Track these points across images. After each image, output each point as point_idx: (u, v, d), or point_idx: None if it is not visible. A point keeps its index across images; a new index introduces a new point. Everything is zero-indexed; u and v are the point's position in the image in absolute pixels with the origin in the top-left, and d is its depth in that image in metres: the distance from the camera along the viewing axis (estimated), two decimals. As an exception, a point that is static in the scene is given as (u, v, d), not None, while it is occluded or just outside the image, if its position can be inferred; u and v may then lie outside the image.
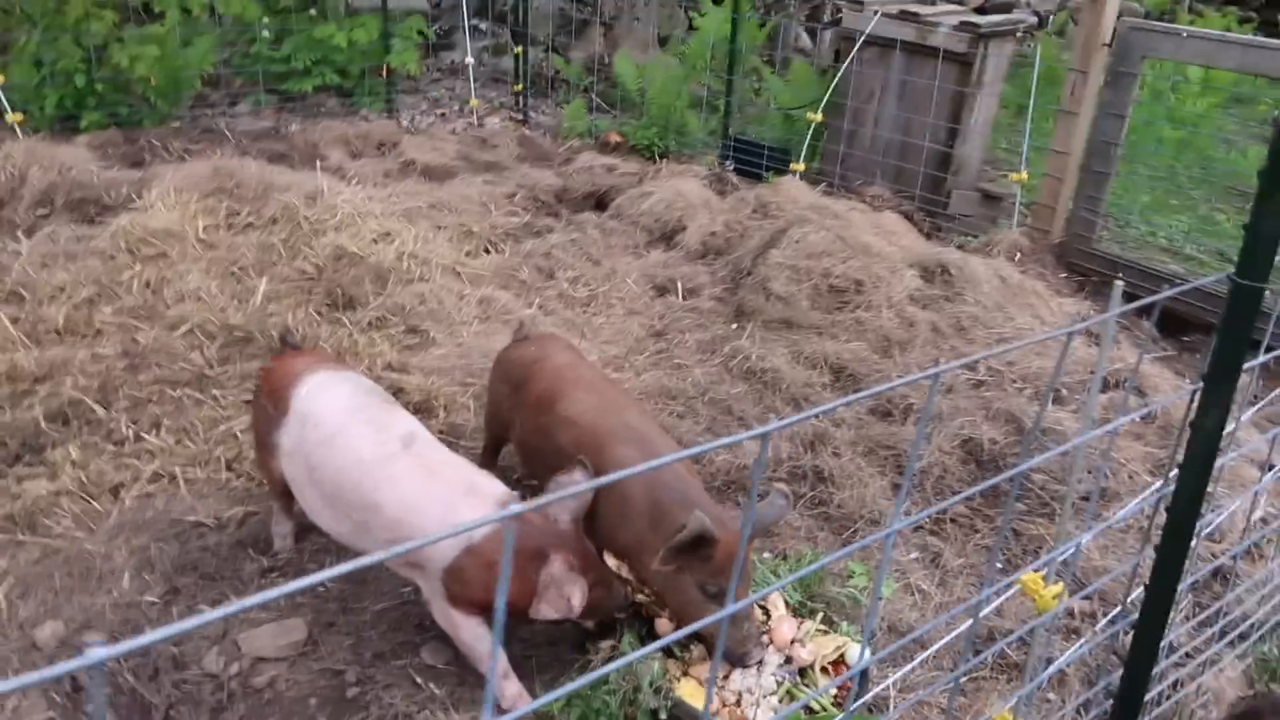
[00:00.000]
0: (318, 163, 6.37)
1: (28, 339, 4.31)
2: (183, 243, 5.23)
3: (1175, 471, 1.97)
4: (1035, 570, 2.03)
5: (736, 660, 2.51)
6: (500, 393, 3.19)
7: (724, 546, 2.42)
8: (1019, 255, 5.80)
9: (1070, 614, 3.14)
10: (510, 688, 2.59)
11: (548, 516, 2.49)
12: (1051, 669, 2.63)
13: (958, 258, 5.26)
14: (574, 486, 2.67)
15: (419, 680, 2.70)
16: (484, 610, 2.52)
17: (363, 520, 2.52)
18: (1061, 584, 2.05)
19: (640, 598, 2.71)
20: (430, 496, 2.46)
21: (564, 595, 2.37)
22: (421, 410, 3.83)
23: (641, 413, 2.93)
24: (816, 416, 4.00)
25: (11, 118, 6.64)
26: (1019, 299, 5.15)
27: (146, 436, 3.61)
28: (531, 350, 3.16)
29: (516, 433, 3.09)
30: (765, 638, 2.62)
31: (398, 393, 3.90)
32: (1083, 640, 2.82)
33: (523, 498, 2.64)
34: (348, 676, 2.72)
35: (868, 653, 2.63)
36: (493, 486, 2.54)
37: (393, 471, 2.49)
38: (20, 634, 2.74)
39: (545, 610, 2.37)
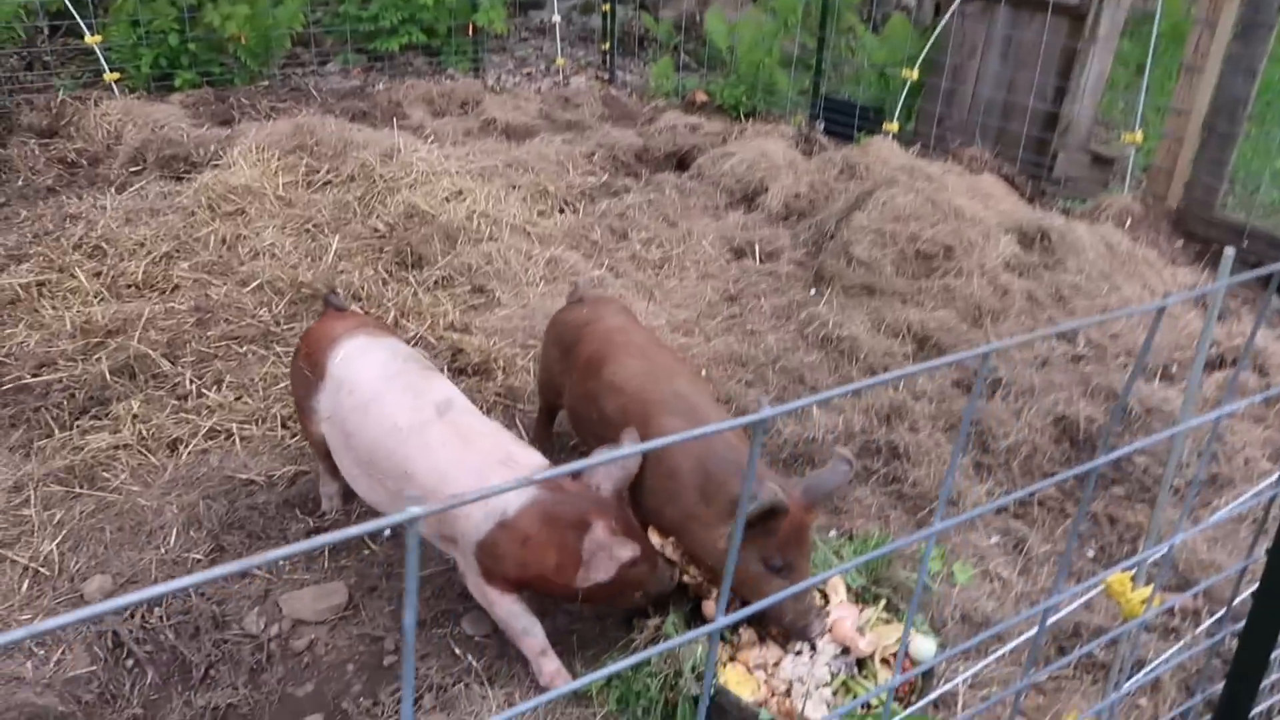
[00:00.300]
0: (395, 121, 6.32)
1: (108, 292, 4.36)
2: (261, 200, 5.25)
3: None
4: (1125, 570, 1.79)
5: (798, 634, 2.34)
6: (551, 356, 3.06)
7: (790, 517, 2.24)
8: (1130, 221, 5.38)
9: (1169, 610, 2.86)
10: (548, 665, 2.46)
11: (588, 485, 2.35)
12: (1143, 674, 2.37)
13: (1060, 223, 4.89)
14: (611, 454, 2.51)
15: (457, 651, 2.60)
16: (519, 587, 2.39)
17: (397, 489, 2.41)
18: (1151, 587, 1.81)
19: (688, 578, 2.54)
20: (464, 466, 2.33)
21: (613, 558, 2.23)
22: (480, 372, 3.73)
23: (692, 380, 2.74)
24: (892, 386, 3.75)
25: (109, 77, 6.78)
26: (1127, 268, 4.77)
27: (207, 392, 3.59)
28: (584, 313, 3.01)
29: (566, 398, 2.95)
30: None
31: (457, 354, 3.81)
32: (1181, 642, 2.55)
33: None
34: (386, 644, 2.64)
35: (929, 645, 2.42)
36: (530, 457, 2.40)
37: (427, 440, 2.37)
38: (69, 586, 2.74)
39: (594, 575, 2.23)
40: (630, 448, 0.87)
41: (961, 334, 4.12)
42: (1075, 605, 2.76)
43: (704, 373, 3.83)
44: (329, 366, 2.60)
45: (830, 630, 2.43)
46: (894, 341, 4.07)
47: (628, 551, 2.25)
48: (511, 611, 2.41)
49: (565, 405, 3.01)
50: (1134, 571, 2.09)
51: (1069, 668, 2.63)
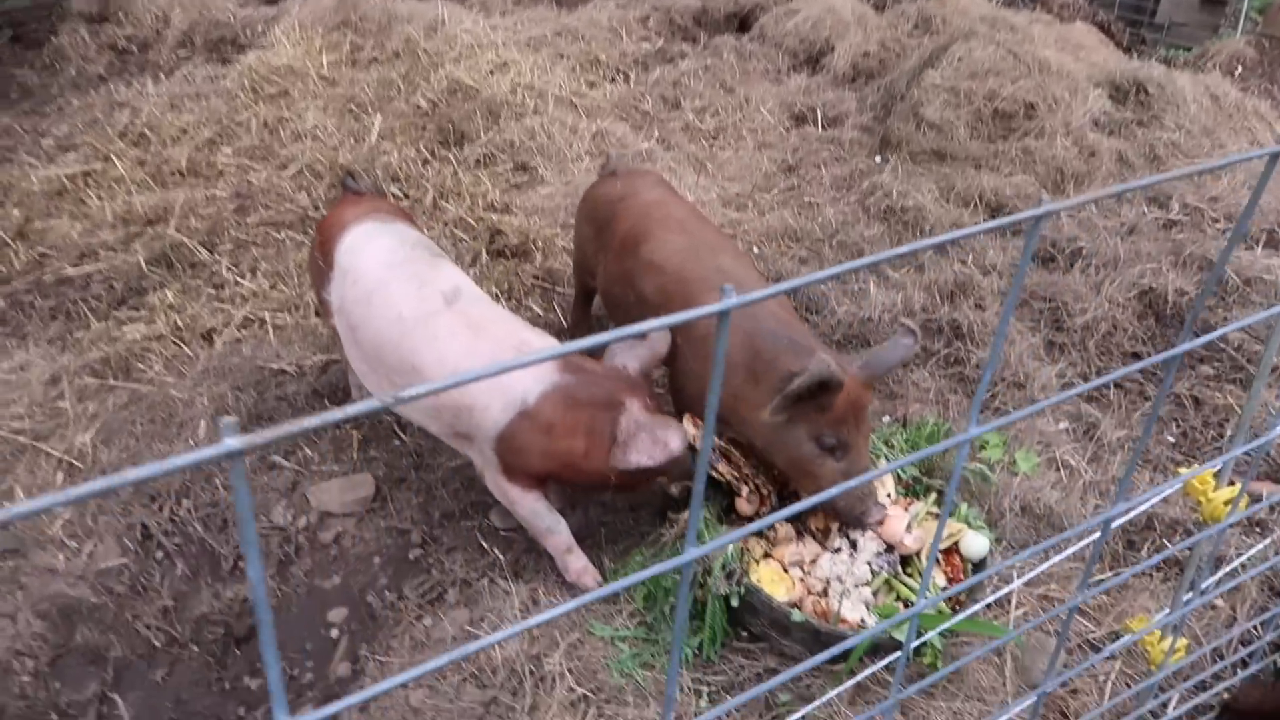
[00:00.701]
0: (440, -10, 6.02)
1: (152, 180, 4.30)
2: (304, 80, 5.09)
3: None
4: (1209, 469, 1.57)
5: (854, 521, 2.16)
6: (585, 235, 2.86)
7: (846, 393, 2.05)
8: (1240, 69, 4.85)
9: (1257, 503, 2.61)
10: (575, 563, 2.36)
11: (615, 366, 2.19)
12: (1222, 574, 2.16)
13: (1160, 74, 4.42)
14: (629, 329, 2.33)
15: (484, 544, 2.52)
16: (542, 482, 2.27)
17: (405, 385, 2.28)
18: (1237, 488, 1.59)
19: (719, 471, 2.36)
20: (475, 356, 2.18)
21: (658, 439, 2.06)
22: (518, 254, 3.56)
23: (737, 256, 2.52)
24: (958, 259, 3.46)
25: (151, -42, 6.59)
26: (1234, 122, 4.30)
27: (242, 281, 3.52)
28: (618, 186, 2.79)
29: (601, 279, 2.77)
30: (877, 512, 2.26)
31: (495, 235, 3.65)
32: (1268, 540, 2.31)
33: (593, 356, 2.33)
34: (412, 537, 2.57)
35: (983, 542, 2.24)
36: (545, 343, 2.24)
37: (434, 331, 2.22)
38: (102, 478, 2.72)
39: (635, 457, 2.06)
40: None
41: (1040, 201, 3.78)
42: (1152, 501, 2.54)
43: (755, 250, 3.60)
44: (336, 255, 2.46)
45: (881, 525, 2.26)
46: (964, 211, 3.75)
47: (674, 429, 2.07)
48: (534, 510, 2.30)
49: (599, 287, 2.83)
50: (1217, 468, 1.87)
51: (1137, 562, 2.42)
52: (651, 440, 2.07)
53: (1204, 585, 2.07)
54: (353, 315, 2.36)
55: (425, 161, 4.28)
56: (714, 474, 2.30)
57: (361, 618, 2.40)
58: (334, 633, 2.38)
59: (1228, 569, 2.19)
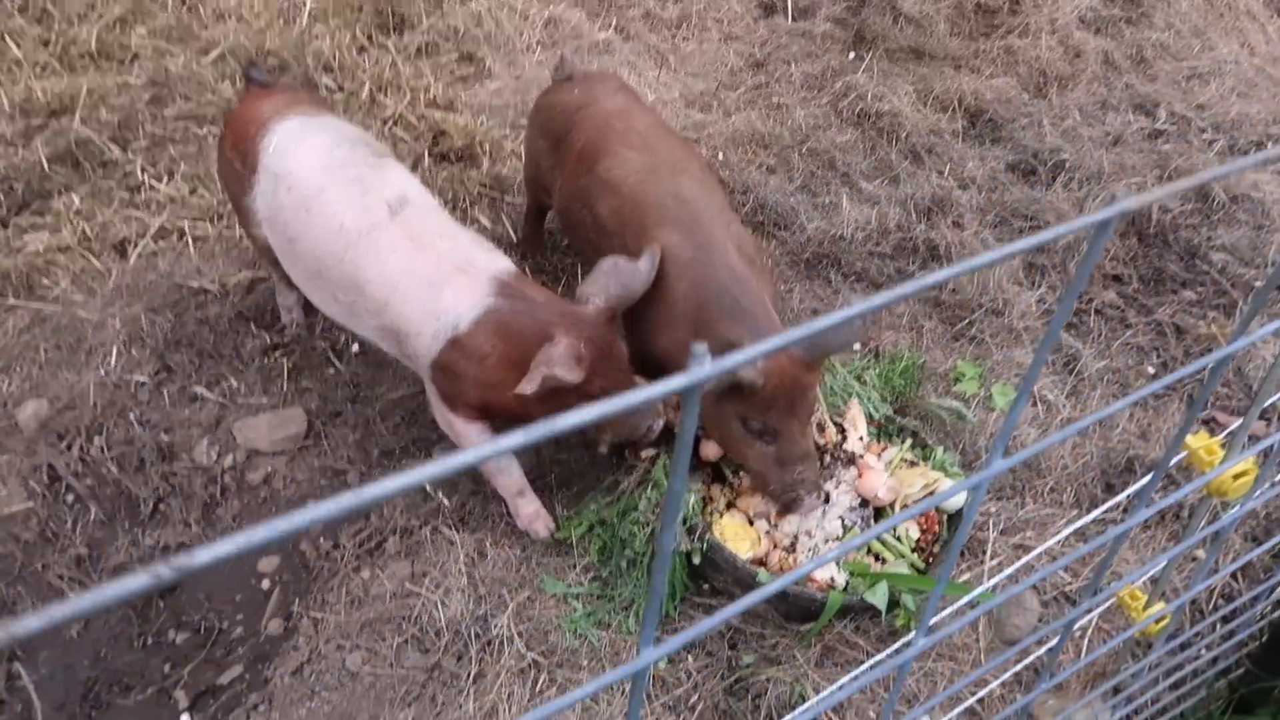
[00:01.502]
0: None
1: (58, 64, 3.89)
2: (226, -51, 4.61)
3: None
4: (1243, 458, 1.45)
5: (784, 508, 2.01)
6: (539, 148, 2.59)
7: (778, 376, 1.85)
8: (1232, -38, 4.58)
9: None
10: (526, 507, 2.20)
11: (583, 295, 1.96)
12: (1203, 530, 2.05)
13: (1150, -34, 4.15)
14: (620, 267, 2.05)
15: (427, 487, 2.34)
16: (486, 413, 2.08)
17: (349, 302, 2.06)
18: (1252, 462, 1.45)
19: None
20: (414, 276, 1.96)
21: (549, 376, 1.81)
22: (464, 158, 3.28)
23: (702, 178, 2.28)
24: (935, 171, 3.24)
25: None
26: (1225, 21, 4.07)
27: (158, 185, 3.20)
28: (576, 94, 2.51)
29: (557, 197, 2.52)
30: (850, 473, 2.12)
31: (439, 136, 3.35)
32: (1259, 490, 2.21)
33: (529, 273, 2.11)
34: (350, 477, 2.38)
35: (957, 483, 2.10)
36: (490, 262, 2.01)
37: (377, 245, 1.99)
38: (2, 412, 2.48)
39: (524, 385, 1.82)
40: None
41: (1021, 106, 3.56)
42: (1186, 491, 2.42)
43: (719, 156, 3.35)
44: (261, 156, 2.17)
45: (858, 479, 2.11)
46: (942, 116, 3.52)
47: (569, 375, 1.82)
48: (481, 444, 2.11)
49: (556, 206, 2.58)
50: (1230, 438, 1.73)
51: (1115, 509, 2.32)
52: (545, 371, 1.81)
53: (1187, 542, 1.97)
54: (290, 226, 2.10)
55: (361, 49, 3.91)
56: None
57: (294, 568, 2.23)
58: (265, 584, 2.21)
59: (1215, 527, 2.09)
